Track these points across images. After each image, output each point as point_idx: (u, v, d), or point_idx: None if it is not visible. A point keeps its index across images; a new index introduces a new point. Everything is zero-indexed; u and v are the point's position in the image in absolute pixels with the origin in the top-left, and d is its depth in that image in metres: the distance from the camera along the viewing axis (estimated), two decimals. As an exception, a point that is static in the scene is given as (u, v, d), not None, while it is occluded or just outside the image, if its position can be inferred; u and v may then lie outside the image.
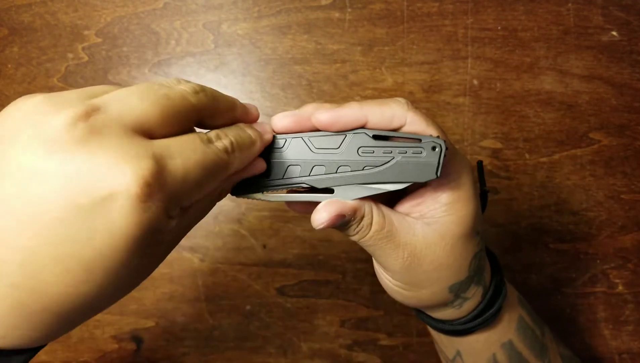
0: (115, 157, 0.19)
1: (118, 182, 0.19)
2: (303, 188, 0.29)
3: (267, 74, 0.50)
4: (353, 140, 0.28)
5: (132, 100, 0.21)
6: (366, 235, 0.29)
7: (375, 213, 0.29)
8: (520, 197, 0.51)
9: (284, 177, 0.28)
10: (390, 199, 0.32)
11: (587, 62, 0.51)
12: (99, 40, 0.50)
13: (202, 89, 0.24)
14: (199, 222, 0.49)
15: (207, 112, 0.24)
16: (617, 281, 0.52)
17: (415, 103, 0.38)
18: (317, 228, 0.28)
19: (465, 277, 0.31)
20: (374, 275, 0.51)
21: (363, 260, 0.51)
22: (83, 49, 0.50)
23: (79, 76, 0.50)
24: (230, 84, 0.50)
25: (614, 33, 0.52)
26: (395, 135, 0.28)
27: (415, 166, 0.27)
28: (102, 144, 0.19)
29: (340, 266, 0.50)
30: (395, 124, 0.28)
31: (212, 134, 0.24)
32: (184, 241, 0.49)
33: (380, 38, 0.50)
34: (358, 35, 0.50)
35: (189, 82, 0.24)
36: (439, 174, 0.27)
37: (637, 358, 0.52)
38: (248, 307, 0.50)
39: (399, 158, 0.27)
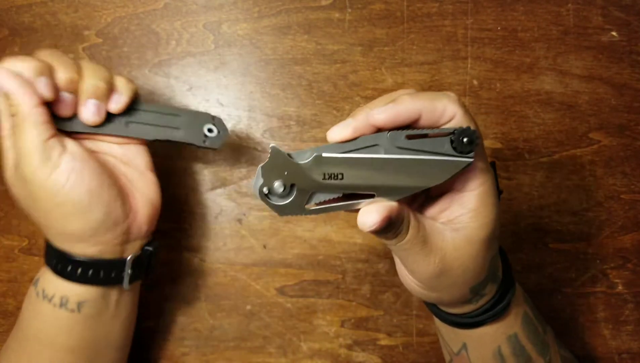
0: None
1: None
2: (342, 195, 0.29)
3: (267, 74, 0.50)
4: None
5: None
6: (404, 238, 0.29)
7: (412, 217, 0.29)
8: (520, 197, 0.51)
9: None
10: (412, 205, 0.32)
11: (587, 63, 0.51)
12: (100, 40, 0.50)
13: None
14: (199, 222, 0.49)
15: None
16: (617, 281, 0.52)
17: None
18: (367, 230, 0.27)
19: (484, 277, 0.32)
20: (374, 275, 0.51)
21: (363, 260, 0.51)
22: (83, 49, 0.50)
23: (80, 76, 0.50)
24: (231, 85, 0.50)
25: (614, 33, 0.52)
26: (429, 132, 0.28)
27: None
28: None
29: (340, 266, 0.50)
30: (444, 120, 0.28)
31: None
32: (184, 242, 0.50)
33: (380, 38, 0.51)
34: (358, 35, 0.51)
35: None
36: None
37: (637, 358, 0.52)
38: (248, 307, 0.50)
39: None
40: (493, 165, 0.36)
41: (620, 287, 0.52)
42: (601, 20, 0.51)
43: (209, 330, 0.50)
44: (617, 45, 0.52)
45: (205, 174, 0.50)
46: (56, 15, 0.50)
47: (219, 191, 0.50)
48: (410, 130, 0.28)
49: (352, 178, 0.28)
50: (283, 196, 0.28)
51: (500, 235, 0.52)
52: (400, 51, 0.51)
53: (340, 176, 0.28)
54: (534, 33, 0.51)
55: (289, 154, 0.28)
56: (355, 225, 0.50)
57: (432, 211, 0.31)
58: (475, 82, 0.51)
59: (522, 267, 0.52)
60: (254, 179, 0.28)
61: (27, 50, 0.50)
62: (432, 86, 0.51)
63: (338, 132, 0.28)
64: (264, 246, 0.50)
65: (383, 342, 0.51)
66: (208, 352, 0.50)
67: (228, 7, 0.50)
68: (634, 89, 0.52)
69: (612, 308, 0.52)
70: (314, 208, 0.29)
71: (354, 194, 0.29)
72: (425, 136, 0.28)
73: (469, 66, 0.51)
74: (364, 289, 0.51)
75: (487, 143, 0.51)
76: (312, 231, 0.50)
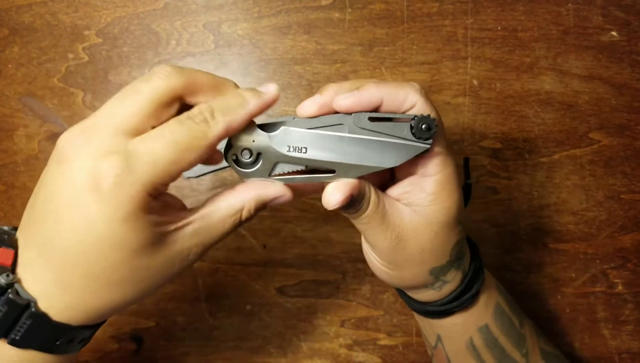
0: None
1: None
2: (303, 169, 0.30)
3: (267, 74, 0.50)
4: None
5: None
6: (364, 213, 0.31)
7: (372, 192, 0.31)
8: (520, 197, 0.51)
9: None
10: (380, 186, 0.34)
11: (587, 63, 0.51)
12: (100, 40, 0.50)
13: (176, 72, 0.27)
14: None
15: (186, 91, 0.27)
16: (617, 281, 0.52)
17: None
18: (331, 208, 0.30)
19: (446, 262, 0.34)
20: (373, 275, 0.51)
21: (363, 260, 0.50)
22: (83, 49, 0.50)
23: (80, 76, 0.50)
24: (231, 84, 0.50)
25: (614, 33, 0.52)
26: (391, 116, 0.30)
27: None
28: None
29: (340, 266, 0.50)
30: (406, 107, 0.30)
31: (195, 109, 0.27)
32: (184, 241, 0.50)
33: (380, 38, 0.51)
34: (358, 35, 0.51)
35: (166, 67, 0.27)
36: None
37: (637, 358, 0.52)
38: (248, 307, 0.50)
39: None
40: (466, 161, 0.38)
41: (620, 287, 0.52)
42: (601, 20, 0.51)
43: (209, 330, 0.50)
44: (617, 45, 0.52)
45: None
46: (56, 15, 0.50)
47: (219, 191, 0.50)
48: (374, 113, 0.30)
49: (314, 152, 0.29)
50: (249, 163, 0.30)
51: (500, 235, 0.52)
52: (400, 50, 0.51)
53: (303, 150, 0.29)
54: (534, 33, 0.51)
55: (258, 125, 0.29)
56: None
57: (396, 192, 0.33)
58: (475, 82, 0.51)
59: (521, 267, 0.52)
60: (224, 145, 0.29)
61: (27, 50, 0.50)
62: (432, 85, 0.51)
63: (306, 108, 0.30)
64: (264, 246, 0.50)
65: (383, 342, 0.51)
66: (208, 352, 0.50)
67: (228, 7, 0.50)
68: (634, 89, 0.52)
69: (612, 308, 0.52)
70: (276, 178, 0.30)
71: (316, 169, 0.30)
72: (387, 119, 0.30)
73: (469, 65, 0.51)
74: (364, 289, 0.51)
75: (487, 143, 0.51)
76: (312, 231, 0.50)
